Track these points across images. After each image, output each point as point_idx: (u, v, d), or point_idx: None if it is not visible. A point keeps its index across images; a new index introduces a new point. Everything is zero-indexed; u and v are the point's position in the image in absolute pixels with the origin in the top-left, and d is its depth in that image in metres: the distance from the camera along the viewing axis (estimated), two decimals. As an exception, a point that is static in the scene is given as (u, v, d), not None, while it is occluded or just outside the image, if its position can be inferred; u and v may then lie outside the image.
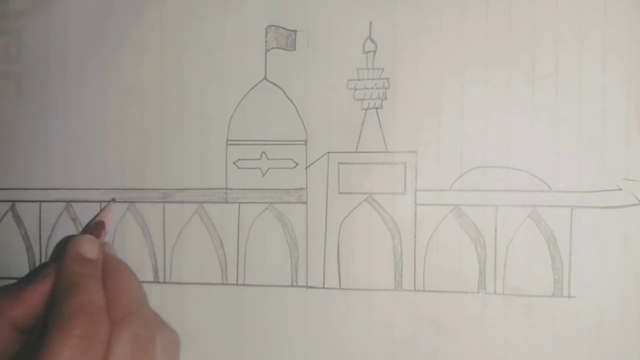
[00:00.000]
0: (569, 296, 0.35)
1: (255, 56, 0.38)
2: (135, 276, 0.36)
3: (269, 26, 0.38)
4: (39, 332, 0.31)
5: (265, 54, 0.38)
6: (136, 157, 0.39)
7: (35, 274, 0.35)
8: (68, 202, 0.39)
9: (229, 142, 0.38)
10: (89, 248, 0.35)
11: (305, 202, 0.38)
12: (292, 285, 0.38)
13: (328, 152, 0.37)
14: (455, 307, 0.36)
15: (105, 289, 0.33)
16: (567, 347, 0.35)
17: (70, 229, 0.40)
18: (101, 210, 0.39)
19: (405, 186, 0.37)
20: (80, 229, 0.39)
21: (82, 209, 0.39)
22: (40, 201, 0.40)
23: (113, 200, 0.39)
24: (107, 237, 0.39)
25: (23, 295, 0.33)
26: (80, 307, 0.31)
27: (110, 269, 0.35)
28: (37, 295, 0.33)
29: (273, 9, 0.38)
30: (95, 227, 0.38)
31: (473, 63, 0.36)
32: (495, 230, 0.36)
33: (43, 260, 0.40)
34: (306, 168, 0.38)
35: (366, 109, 0.37)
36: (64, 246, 0.36)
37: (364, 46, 0.37)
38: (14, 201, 0.40)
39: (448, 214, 0.36)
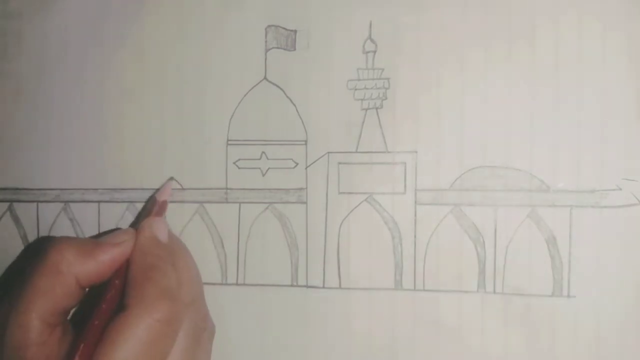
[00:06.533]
0: (568, 296, 0.35)
1: (255, 56, 0.38)
2: (194, 261, 0.35)
3: (269, 26, 0.38)
4: (110, 300, 0.31)
5: (265, 54, 0.38)
6: (136, 157, 0.39)
7: (107, 235, 0.34)
8: (66, 202, 0.39)
9: (229, 142, 0.38)
10: (162, 231, 0.34)
11: (305, 202, 0.38)
12: (292, 285, 0.38)
13: (328, 152, 0.38)
14: (455, 306, 0.36)
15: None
16: (567, 346, 0.35)
17: (68, 230, 0.39)
18: (159, 189, 0.38)
19: (405, 186, 0.37)
20: (79, 229, 0.39)
21: (80, 210, 0.39)
22: (38, 201, 0.40)
23: (171, 178, 0.38)
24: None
25: (97, 253, 0.32)
26: (161, 292, 0.30)
27: (176, 253, 0.34)
28: (111, 257, 0.32)
29: (273, 9, 0.38)
30: (162, 208, 0.37)
31: (473, 63, 0.36)
32: (495, 230, 0.36)
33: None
34: (306, 168, 0.38)
35: (366, 109, 0.37)
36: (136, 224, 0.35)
37: (364, 46, 0.37)
38: (12, 201, 0.40)
39: (448, 214, 0.36)
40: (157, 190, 0.38)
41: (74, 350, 0.30)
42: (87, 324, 0.31)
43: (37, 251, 0.32)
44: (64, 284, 0.31)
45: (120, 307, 0.31)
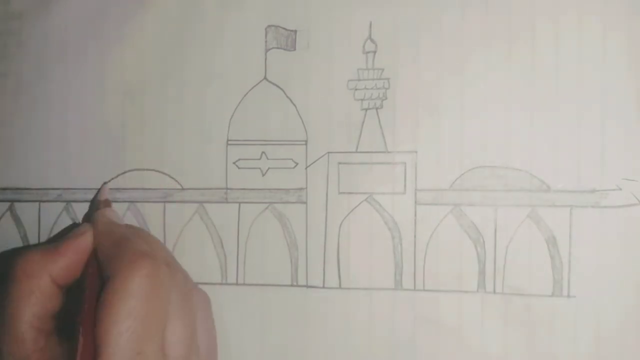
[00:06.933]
0: (568, 296, 0.35)
1: (255, 56, 0.38)
2: (155, 236, 0.36)
3: (269, 26, 0.38)
4: (91, 290, 0.31)
5: (265, 54, 0.38)
6: (136, 157, 0.39)
7: (66, 234, 0.34)
8: (67, 202, 0.39)
9: (229, 142, 0.38)
10: (115, 217, 0.36)
11: (305, 202, 0.38)
12: (292, 285, 0.38)
13: (328, 152, 0.38)
14: (455, 306, 0.36)
15: None
16: (567, 346, 0.35)
17: (69, 230, 0.39)
18: (99, 191, 0.39)
19: (405, 186, 0.37)
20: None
21: (81, 209, 0.39)
22: (39, 201, 0.40)
23: (105, 183, 0.39)
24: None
25: (63, 250, 0.33)
26: (139, 252, 0.31)
27: (137, 229, 0.36)
28: (76, 250, 0.33)
29: (273, 9, 0.38)
30: (106, 204, 0.38)
31: (473, 63, 0.36)
32: (495, 230, 0.36)
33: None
34: (306, 168, 0.38)
35: (366, 109, 0.37)
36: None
37: (364, 46, 0.37)
38: (12, 201, 0.40)
39: (448, 214, 0.36)
40: (96, 194, 0.39)
41: (75, 331, 0.30)
42: (79, 312, 0.31)
43: (6, 266, 0.33)
44: (41, 286, 0.32)
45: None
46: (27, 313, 0.31)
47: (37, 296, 0.31)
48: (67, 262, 0.33)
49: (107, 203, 0.38)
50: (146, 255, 0.31)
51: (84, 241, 0.33)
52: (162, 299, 0.30)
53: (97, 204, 0.38)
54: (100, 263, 0.32)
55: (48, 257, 0.32)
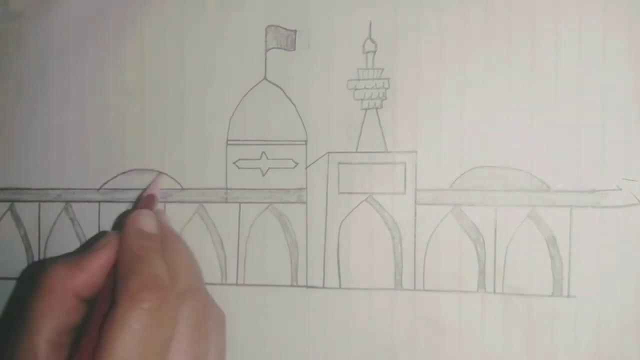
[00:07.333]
0: (568, 296, 0.35)
1: (255, 56, 0.38)
2: (190, 250, 0.35)
3: (269, 26, 0.38)
4: (102, 303, 0.31)
5: (265, 54, 0.38)
6: (136, 157, 0.39)
7: (93, 243, 0.34)
8: (67, 202, 0.39)
9: (229, 142, 0.38)
10: (148, 222, 0.34)
11: (305, 202, 0.38)
12: (292, 285, 0.38)
13: (328, 152, 0.38)
14: (455, 306, 0.36)
15: (166, 263, 0.33)
16: (567, 346, 0.35)
17: (69, 230, 0.39)
18: (150, 184, 0.38)
19: (405, 186, 0.37)
20: (79, 229, 0.39)
21: (81, 209, 0.39)
22: (39, 201, 0.40)
23: (160, 174, 0.38)
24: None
25: (84, 263, 0.33)
26: (148, 281, 0.30)
27: (168, 242, 0.34)
28: (98, 264, 0.33)
29: (273, 9, 0.38)
30: (148, 201, 0.37)
31: (473, 63, 0.36)
32: (495, 230, 0.36)
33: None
34: (306, 168, 0.38)
35: (366, 109, 0.37)
36: (122, 220, 0.35)
37: (364, 46, 0.37)
38: (12, 201, 0.40)
39: (448, 214, 0.36)
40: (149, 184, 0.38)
41: (76, 349, 0.30)
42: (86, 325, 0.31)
43: (32, 277, 0.33)
44: (62, 301, 0.32)
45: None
46: (46, 327, 0.31)
47: (57, 311, 0.31)
48: (89, 276, 0.32)
49: (150, 201, 0.37)
50: (153, 286, 0.30)
51: (107, 254, 0.33)
52: (163, 335, 0.30)
53: (137, 202, 0.37)
54: (115, 277, 0.32)
55: (70, 271, 0.32)
